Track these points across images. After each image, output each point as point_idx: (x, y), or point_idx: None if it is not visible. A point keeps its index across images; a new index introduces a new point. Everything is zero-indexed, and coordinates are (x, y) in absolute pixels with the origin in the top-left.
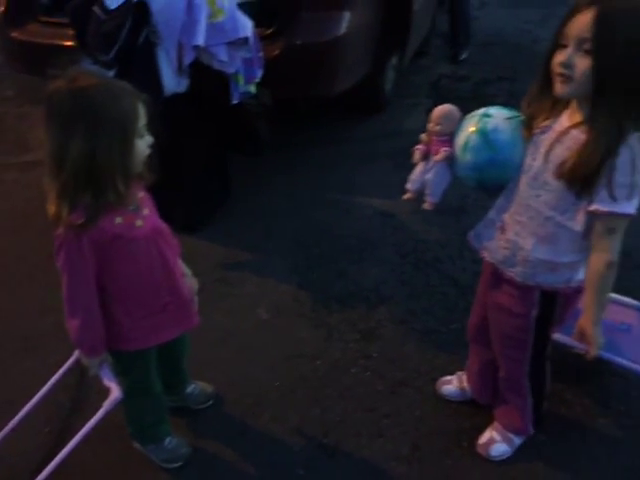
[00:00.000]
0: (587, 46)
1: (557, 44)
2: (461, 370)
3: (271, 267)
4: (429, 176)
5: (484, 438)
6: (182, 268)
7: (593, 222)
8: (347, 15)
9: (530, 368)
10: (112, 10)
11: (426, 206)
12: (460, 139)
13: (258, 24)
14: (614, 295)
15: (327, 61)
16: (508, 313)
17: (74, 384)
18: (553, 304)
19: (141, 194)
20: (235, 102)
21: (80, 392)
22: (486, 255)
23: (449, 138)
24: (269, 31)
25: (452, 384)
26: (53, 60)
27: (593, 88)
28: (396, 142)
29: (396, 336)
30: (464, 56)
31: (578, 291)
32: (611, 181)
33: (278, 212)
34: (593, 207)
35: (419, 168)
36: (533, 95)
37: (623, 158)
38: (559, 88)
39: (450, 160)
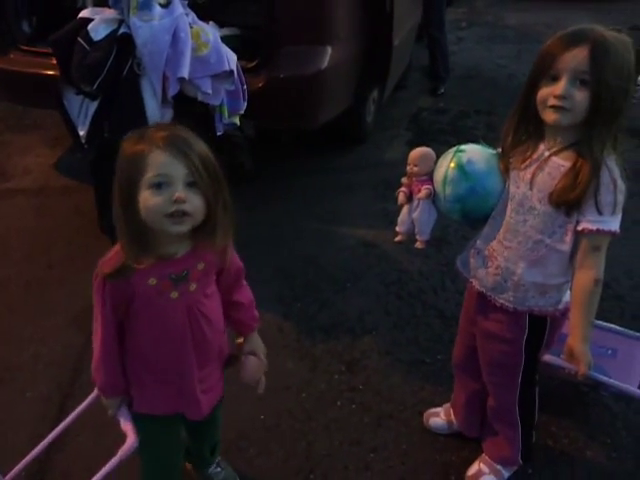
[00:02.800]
0: (585, 78)
1: (541, 77)
2: (447, 402)
3: (255, 297)
4: (415, 215)
5: (472, 470)
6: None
7: (579, 242)
8: (329, 49)
9: (520, 395)
10: (97, 42)
11: (418, 245)
12: (439, 175)
13: (241, 57)
14: (598, 321)
15: (310, 94)
16: (499, 340)
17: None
18: (542, 328)
19: (200, 265)
20: (219, 133)
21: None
22: (475, 283)
23: (428, 178)
24: (252, 64)
25: (439, 417)
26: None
27: (586, 117)
28: (377, 173)
29: (381, 367)
30: (442, 90)
31: (564, 314)
32: (597, 201)
33: (261, 242)
34: (582, 226)
35: (405, 210)
36: (511, 127)
37: (605, 179)
38: (553, 118)
39: (432, 197)
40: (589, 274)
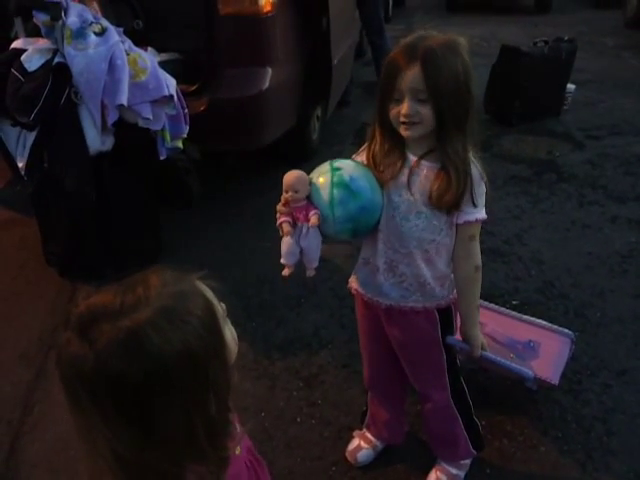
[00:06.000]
0: (422, 96)
1: (388, 100)
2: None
3: None
4: (305, 243)
5: None
6: None
7: (457, 233)
8: (269, 70)
9: (451, 388)
10: (31, 72)
11: (310, 273)
12: (323, 197)
13: (183, 81)
14: (526, 316)
15: (253, 115)
16: (418, 343)
17: None
18: (450, 316)
19: None
20: (163, 158)
21: None
22: (380, 300)
23: (307, 201)
24: (194, 87)
25: (362, 448)
26: None
27: (436, 125)
28: None
29: (339, 381)
30: None
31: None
32: (473, 195)
33: (214, 264)
34: (462, 219)
35: (289, 240)
36: (377, 139)
37: (475, 174)
38: (407, 134)
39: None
40: (470, 262)
